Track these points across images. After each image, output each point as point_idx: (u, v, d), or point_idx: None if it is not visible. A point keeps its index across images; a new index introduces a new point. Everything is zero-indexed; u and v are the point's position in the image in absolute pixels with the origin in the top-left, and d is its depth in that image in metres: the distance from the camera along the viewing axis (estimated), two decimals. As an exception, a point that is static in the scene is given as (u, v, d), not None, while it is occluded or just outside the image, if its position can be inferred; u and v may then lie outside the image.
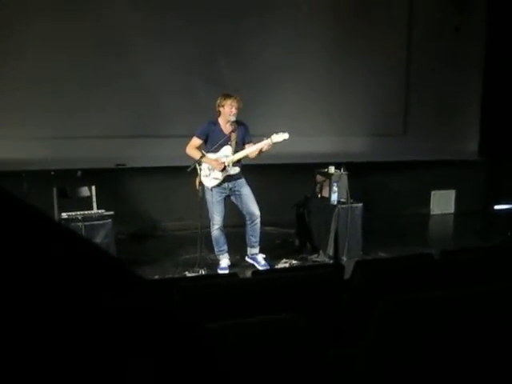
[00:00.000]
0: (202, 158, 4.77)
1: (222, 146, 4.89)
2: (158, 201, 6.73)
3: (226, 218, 5.07)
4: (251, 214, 5.04)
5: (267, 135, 4.87)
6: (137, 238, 6.39)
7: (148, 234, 6.53)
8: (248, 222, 5.11)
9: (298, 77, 6.84)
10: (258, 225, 5.08)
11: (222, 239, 5.11)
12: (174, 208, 6.73)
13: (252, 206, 5.02)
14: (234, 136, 4.92)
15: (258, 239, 5.15)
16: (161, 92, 6.38)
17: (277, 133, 4.83)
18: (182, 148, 5.01)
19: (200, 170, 4.78)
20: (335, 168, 5.74)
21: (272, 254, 5.47)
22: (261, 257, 5.20)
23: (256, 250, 5.20)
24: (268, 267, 5.09)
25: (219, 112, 4.91)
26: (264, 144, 4.80)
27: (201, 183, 4.79)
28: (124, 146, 6.34)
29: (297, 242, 5.96)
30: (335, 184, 5.56)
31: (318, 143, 6.93)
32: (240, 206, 5.07)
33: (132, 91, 6.28)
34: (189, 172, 4.68)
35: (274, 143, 4.82)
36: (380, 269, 2.86)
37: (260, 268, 5.09)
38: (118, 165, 6.30)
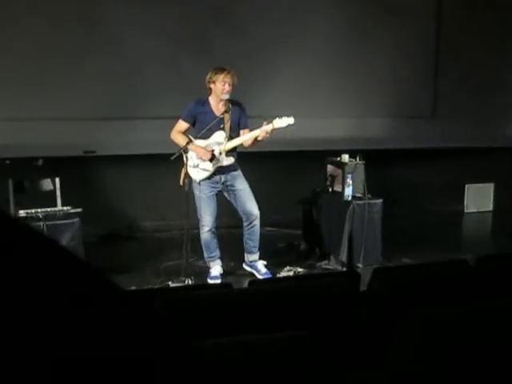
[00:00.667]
0: (188, 144, 4.77)
1: (213, 130, 4.89)
2: (135, 196, 6.74)
3: (218, 218, 5.08)
4: (248, 214, 5.05)
5: (268, 118, 4.88)
6: (110, 240, 6.40)
7: (123, 236, 6.55)
8: (245, 224, 5.11)
9: (305, 47, 6.84)
10: (257, 226, 5.09)
11: (214, 243, 5.12)
12: (155, 204, 6.75)
13: (249, 204, 5.03)
14: (227, 118, 4.92)
15: (257, 243, 5.16)
16: (140, 65, 6.38)
17: (280, 117, 4.84)
18: (166, 132, 5.01)
19: (186, 159, 4.79)
20: (350, 156, 5.76)
21: (274, 261, 5.48)
22: (261, 264, 5.22)
23: (255, 257, 5.21)
24: (269, 276, 5.11)
25: (210, 89, 4.91)
26: (263, 130, 4.81)
27: (187, 175, 4.80)
28: (94, 129, 6.32)
29: (303, 246, 5.99)
30: (349, 176, 5.57)
31: (328, 126, 6.94)
32: (235, 204, 5.08)
33: (105, 63, 6.25)
34: (173, 161, 4.70)
35: (276, 129, 4.83)
36: (403, 278, 2.90)
37: (260, 277, 5.09)
38: (86, 152, 6.29)
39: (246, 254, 5.24)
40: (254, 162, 5.91)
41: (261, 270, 5.19)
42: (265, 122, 4.84)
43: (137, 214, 6.75)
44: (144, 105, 6.40)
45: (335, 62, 6.99)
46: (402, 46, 7.15)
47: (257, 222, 5.07)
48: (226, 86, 4.80)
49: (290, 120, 4.84)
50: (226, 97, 4.85)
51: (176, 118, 5.03)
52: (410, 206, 7.38)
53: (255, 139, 4.86)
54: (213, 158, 4.88)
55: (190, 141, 4.82)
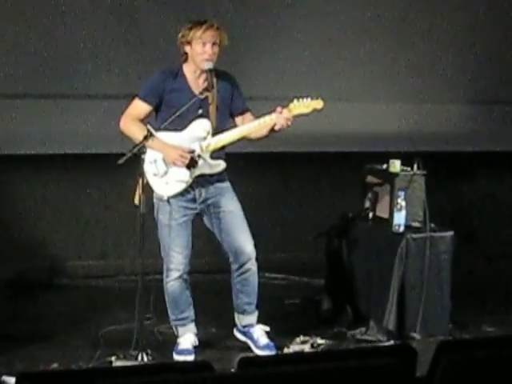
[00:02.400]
0: (146, 139, 4.86)
1: (189, 118, 4.99)
2: (59, 221, 6.84)
3: (193, 257, 5.17)
4: (238, 253, 5.13)
5: (282, 101, 4.98)
6: (19, 289, 6.44)
7: (40, 284, 6.59)
8: (234, 268, 5.19)
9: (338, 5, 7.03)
10: (253, 272, 5.18)
11: (185, 297, 5.20)
12: (91, 236, 6.84)
13: (240, 237, 5.12)
14: (212, 99, 5.04)
15: (253, 299, 5.24)
16: (66, 15, 6.47)
17: (299, 98, 4.95)
18: (111, 119, 5.12)
19: (143, 162, 4.88)
20: (402, 163, 5.84)
21: (280, 326, 5.54)
22: (260, 331, 5.30)
23: (251, 319, 5.29)
24: (273, 351, 5.19)
25: (185, 55, 5.03)
26: (278, 117, 4.91)
27: (145, 190, 4.89)
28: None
29: (326, 304, 6.04)
30: (402, 194, 5.66)
31: (369, 115, 7.09)
32: (218, 235, 5.16)
33: (10, 14, 6.36)
34: (121, 166, 4.75)
35: (295, 116, 4.94)
36: (484, 358, 2.96)
37: (258, 352, 5.17)
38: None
39: (236, 315, 5.31)
40: (249, 169, 5.97)
41: (259, 340, 5.26)
42: (279, 108, 4.96)
43: (62, 249, 6.84)
44: (76, 76, 6.52)
45: (383, 28, 7.14)
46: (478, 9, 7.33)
47: (251, 266, 5.17)
48: (207, 47, 4.91)
49: (317, 103, 4.96)
50: (208, 66, 4.95)
51: (128, 98, 5.15)
52: (496, 242, 7.48)
53: (272, 128, 4.98)
54: (192, 163, 5.00)
55: (151, 134, 4.88)
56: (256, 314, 5.30)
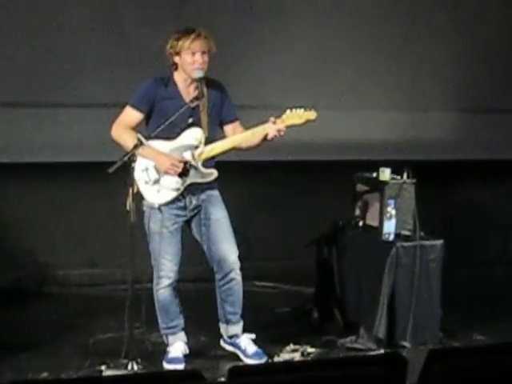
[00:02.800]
0: (136, 148, 4.86)
1: (181, 126, 5.01)
2: (49, 230, 6.84)
3: (183, 266, 5.17)
4: (222, 262, 5.15)
5: (275, 110, 5.00)
6: (8, 297, 6.42)
7: (30, 292, 6.62)
8: (218, 277, 5.21)
9: (326, 7, 7.02)
10: (237, 281, 5.19)
11: (175, 305, 5.21)
12: (81, 244, 6.84)
13: (225, 247, 5.14)
14: (202, 106, 5.05)
15: (238, 308, 5.25)
16: (59, 26, 6.48)
17: (292, 108, 4.97)
18: (102, 127, 5.10)
19: (133, 170, 4.88)
20: (392, 171, 5.85)
21: (270, 335, 5.57)
22: (247, 340, 5.31)
23: (237, 329, 5.29)
24: (262, 359, 5.20)
25: (174, 65, 5.04)
26: (266, 129, 4.93)
27: (135, 198, 4.90)
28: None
29: (316, 313, 6.06)
30: (392, 202, 5.67)
31: (360, 123, 7.10)
32: (204, 244, 5.18)
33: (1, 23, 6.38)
34: (111, 174, 4.75)
35: (288, 126, 4.96)
36: (475, 368, 2.96)
37: (247, 360, 5.18)
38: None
39: (221, 326, 5.32)
40: (238, 177, 5.98)
41: (247, 348, 5.26)
42: (271, 118, 4.98)
43: (52, 257, 6.83)
44: (65, 85, 6.53)
45: (370, 33, 7.16)
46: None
47: (235, 276, 5.18)
48: (197, 56, 4.93)
49: (311, 114, 4.99)
50: (199, 74, 4.97)
51: (118, 106, 5.15)
52: (488, 250, 7.51)
53: (264, 137, 5.00)
54: (184, 172, 5.01)
55: (141, 143, 4.89)
56: (241, 323, 5.30)
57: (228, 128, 5.16)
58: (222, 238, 5.14)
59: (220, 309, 5.27)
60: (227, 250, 5.14)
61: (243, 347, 5.27)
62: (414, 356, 4.77)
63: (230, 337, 5.31)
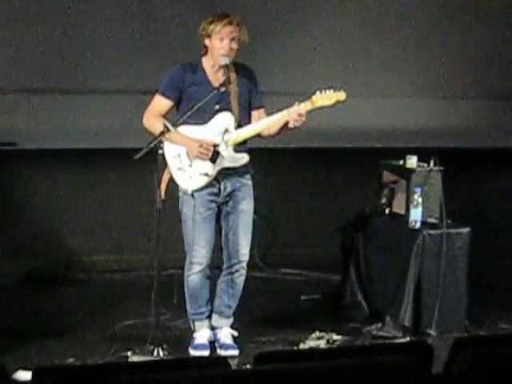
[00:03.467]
0: (163, 135, 4.86)
1: (211, 111, 5.01)
2: (75, 216, 6.85)
3: (215, 252, 5.18)
4: (233, 253, 5.17)
5: (301, 94, 4.98)
6: (34, 284, 6.48)
7: (56, 278, 6.63)
8: (225, 266, 5.23)
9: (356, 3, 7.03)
10: (241, 274, 5.21)
11: (205, 292, 5.22)
12: (108, 230, 6.86)
13: (241, 239, 5.16)
14: (233, 92, 5.04)
15: (234, 303, 5.24)
16: (82, 10, 6.49)
17: (321, 89, 4.94)
18: (131, 114, 5.17)
19: (161, 157, 4.87)
20: (419, 159, 5.83)
21: (294, 322, 5.58)
22: (227, 332, 5.25)
23: (225, 322, 5.25)
24: (235, 351, 5.14)
25: (204, 48, 5.04)
26: (292, 112, 4.90)
27: (168, 184, 4.92)
28: (12, 108, 6.49)
29: (341, 301, 6.06)
30: (418, 190, 5.66)
31: (385, 111, 7.08)
32: (224, 231, 5.17)
33: (28, 8, 6.39)
34: (137, 161, 4.74)
35: (316, 108, 4.94)
36: (502, 356, 2.94)
37: (222, 352, 5.13)
38: (1, 145, 6.44)
39: (213, 317, 5.27)
40: (265, 164, 5.97)
41: (221, 339, 5.21)
42: (296, 103, 4.95)
43: (78, 243, 6.85)
44: (95, 72, 6.54)
45: (396, 21, 7.14)
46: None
47: (241, 269, 5.20)
48: (225, 42, 4.92)
49: (340, 95, 4.95)
50: (225, 61, 4.95)
51: (145, 93, 5.18)
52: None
53: (285, 125, 4.98)
54: (215, 156, 5.01)
55: (168, 129, 4.89)
56: (231, 320, 5.28)
57: (254, 114, 5.14)
58: (241, 230, 5.14)
59: (216, 299, 5.26)
60: (242, 242, 5.16)
61: (219, 337, 5.24)
62: (439, 344, 4.75)
63: (214, 326, 5.28)
